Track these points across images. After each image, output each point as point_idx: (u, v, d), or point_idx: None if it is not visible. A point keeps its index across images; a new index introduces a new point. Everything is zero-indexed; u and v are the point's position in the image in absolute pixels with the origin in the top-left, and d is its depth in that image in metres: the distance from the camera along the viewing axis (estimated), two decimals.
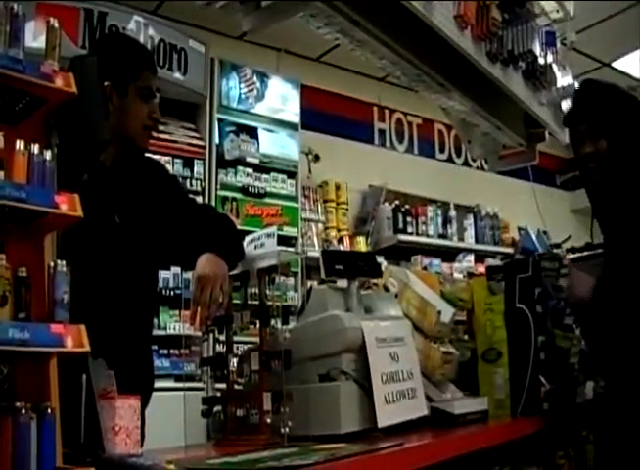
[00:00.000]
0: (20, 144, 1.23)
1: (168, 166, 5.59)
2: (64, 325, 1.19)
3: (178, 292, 5.44)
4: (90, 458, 1.38)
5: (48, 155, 1.25)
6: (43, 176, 1.23)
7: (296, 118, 6.56)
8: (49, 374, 1.24)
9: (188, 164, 5.80)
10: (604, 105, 2.75)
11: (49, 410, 1.17)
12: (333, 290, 2.42)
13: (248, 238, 2.46)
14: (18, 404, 1.12)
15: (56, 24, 1.34)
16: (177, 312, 5.43)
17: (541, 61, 3.84)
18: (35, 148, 1.23)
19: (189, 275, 5.44)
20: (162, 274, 5.07)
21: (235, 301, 2.45)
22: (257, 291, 2.37)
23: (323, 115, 7.23)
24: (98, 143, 1.60)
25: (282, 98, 6.51)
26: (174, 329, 5.39)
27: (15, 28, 1.25)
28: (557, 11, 4.05)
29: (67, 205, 1.22)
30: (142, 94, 2.43)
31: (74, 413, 1.51)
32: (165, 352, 5.31)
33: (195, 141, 5.88)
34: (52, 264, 1.24)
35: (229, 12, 2.78)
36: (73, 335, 1.18)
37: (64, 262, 1.24)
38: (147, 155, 2.65)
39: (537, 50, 3.70)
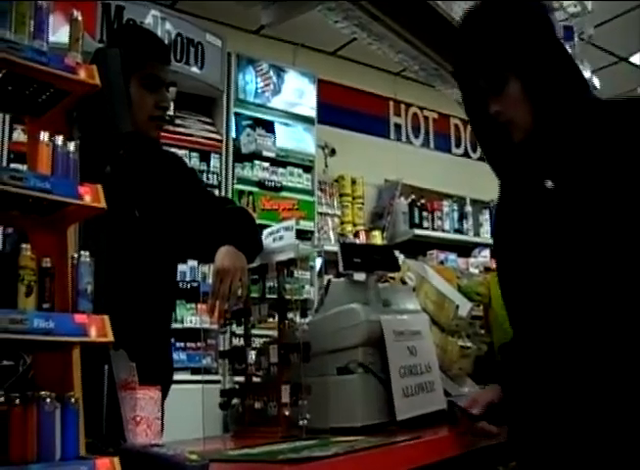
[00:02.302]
0: (44, 136, 1.23)
1: (185, 160, 5.60)
2: (87, 315, 1.20)
3: (195, 285, 5.46)
4: (112, 448, 1.39)
5: (72, 146, 1.26)
6: (67, 168, 1.24)
7: (312, 113, 6.57)
8: (72, 364, 1.25)
9: (205, 157, 5.82)
10: (503, 35, 1.95)
11: (72, 400, 1.17)
12: (351, 283, 2.42)
13: (266, 231, 2.47)
14: (42, 393, 1.12)
15: (79, 17, 1.35)
16: (194, 305, 5.46)
17: None
18: (59, 139, 1.24)
19: (206, 268, 5.49)
20: (179, 267, 5.09)
21: (253, 294, 2.46)
22: (276, 284, 2.38)
23: (339, 109, 7.23)
24: (121, 135, 1.61)
25: (298, 92, 6.52)
26: (191, 322, 5.42)
27: (39, 21, 1.26)
28: (574, 5, 4.04)
29: (90, 196, 1.23)
30: (146, 83, 2.40)
31: (96, 404, 1.52)
32: (182, 345, 5.34)
33: (211, 135, 5.89)
34: (75, 255, 1.25)
35: (248, 6, 2.79)
36: (97, 325, 1.19)
37: (87, 253, 1.25)
38: (165, 148, 2.66)
39: None
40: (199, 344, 5.38)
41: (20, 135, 5.01)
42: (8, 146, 5.01)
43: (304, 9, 2.76)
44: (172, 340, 5.09)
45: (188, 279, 5.48)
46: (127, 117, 1.63)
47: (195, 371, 5.17)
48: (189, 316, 5.44)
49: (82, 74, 1.27)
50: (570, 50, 3.82)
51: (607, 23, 6.57)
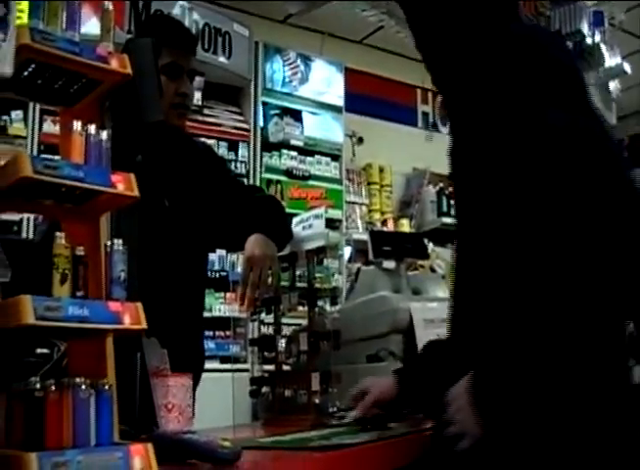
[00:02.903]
0: (77, 125, 1.24)
1: (214, 149, 5.63)
2: (121, 303, 1.21)
3: (224, 274, 5.49)
4: (145, 434, 1.41)
5: (104, 135, 1.27)
6: (100, 157, 1.25)
7: (339, 101, 6.57)
8: (106, 351, 1.26)
9: (233, 147, 5.84)
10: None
11: (106, 387, 1.18)
12: (381, 271, 2.43)
13: (296, 219, 2.47)
14: (77, 380, 1.14)
15: (110, 7, 1.36)
16: (222, 294, 5.48)
17: (589, 41, 3.80)
18: (92, 129, 1.25)
19: (234, 257, 5.50)
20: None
21: (283, 282, 2.47)
22: (305, 272, 2.39)
23: (367, 97, 7.21)
24: (152, 124, 1.62)
25: (326, 81, 6.51)
26: (220, 311, 5.44)
27: (71, 11, 1.27)
28: None
29: (123, 184, 1.23)
30: (166, 71, 2.39)
31: (129, 391, 1.54)
32: (211, 333, 5.36)
33: (239, 124, 5.91)
34: (109, 243, 1.26)
35: None
36: (131, 313, 1.20)
37: (120, 241, 1.26)
38: (195, 138, 2.66)
39: (585, 30, 3.67)
40: (227, 332, 5.40)
41: (50, 126, 5.05)
42: (38, 137, 5.05)
43: None
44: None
45: (217, 268, 5.51)
46: (157, 107, 1.64)
47: (223, 360, 5.20)
48: (218, 305, 5.47)
49: (114, 64, 1.28)
50: (600, 36, 3.81)
51: (637, 7, 6.48)
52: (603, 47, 3.96)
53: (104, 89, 1.33)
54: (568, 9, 3.52)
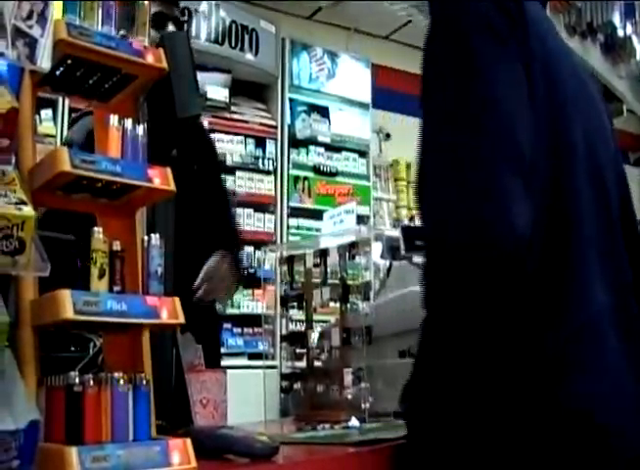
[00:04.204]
0: (113, 120, 1.24)
1: (241, 146, 5.66)
2: (158, 297, 1.21)
3: (251, 271, 5.48)
4: (180, 430, 1.41)
5: (140, 130, 1.27)
6: (136, 151, 1.25)
7: (366, 97, 6.55)
8: (142, 346, 1.26)
9: (260, 143, 5.85)
10: None
11: (144, 381, 1.18)
12: (413, 266, 2.41)
13: (326, 214, 2.46)
14: (116, 375, 1.14)
15: (145, 2, 1.36)
16: (251, 291, 5.48)
17: (620, 33, 3.77)
18: (128, 123, 1.25)
19: (262, 254, 5.46)
20: None
21: (314, 279, 2.46)
22: (336, 268, 2.37)
23: (394, 93, 7.17)
24: (189, 118, 1.62)
25: (353, 77, 6.50)
26: (248, 308, 5.44)
27: (107, 6, 1.27)
28: None
29: (159, 179, 1.23)
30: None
31: (163, 386, 1.54)
32: (239, 330, 5.37)
33: (267, 121, 5.92)
34: (146, 238, 1.26)
35: None
36: (168, 307, 1.20)
37: (157, 236, 1.26)
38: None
39: (617, 21, 3.63)
40: (256, 329, 5.40)
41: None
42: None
43: None
44: (229, 325, 5.17)
45: (244, 265, 5.50)
46: (196, 100, 1.64)
47: (251, 356, 5.20)
48: (245, 302, 5.47)
49: (150, 58, 1.28)
50: (631, 27, 3.77)
51: None
52: (635, 39, 3.92)
53: (139, 84, 1.33)
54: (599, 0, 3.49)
